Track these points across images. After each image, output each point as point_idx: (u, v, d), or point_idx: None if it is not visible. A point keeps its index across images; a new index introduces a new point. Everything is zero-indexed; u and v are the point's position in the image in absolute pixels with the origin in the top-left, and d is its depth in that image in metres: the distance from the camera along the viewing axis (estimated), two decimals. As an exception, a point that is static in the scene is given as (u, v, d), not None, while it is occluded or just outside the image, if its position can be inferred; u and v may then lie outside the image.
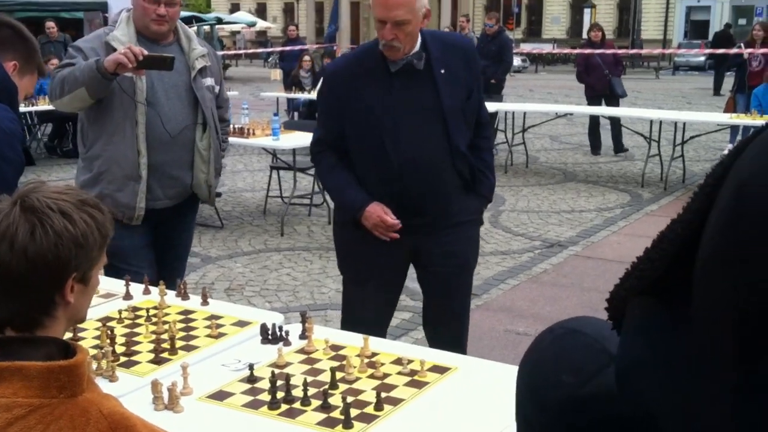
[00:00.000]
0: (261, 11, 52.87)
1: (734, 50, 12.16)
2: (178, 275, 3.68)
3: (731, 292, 0.59)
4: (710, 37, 37.59)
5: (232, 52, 30.09)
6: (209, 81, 3.55)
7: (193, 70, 3.46)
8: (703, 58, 31.04)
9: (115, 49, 3.19)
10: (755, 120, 8.85)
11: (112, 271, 2.98)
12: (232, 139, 5.98)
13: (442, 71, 2.99)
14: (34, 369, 1.31)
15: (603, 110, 10.87)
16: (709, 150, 11.89)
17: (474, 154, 3.12)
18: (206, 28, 33.01)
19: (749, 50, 11.22)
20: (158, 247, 3.66)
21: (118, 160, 3.35)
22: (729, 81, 18.70)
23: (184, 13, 31.46)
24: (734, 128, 11.25)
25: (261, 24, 38.28)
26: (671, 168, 9.54)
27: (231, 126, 3.96)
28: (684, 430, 0.65)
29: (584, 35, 38.38)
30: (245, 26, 36.68)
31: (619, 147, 11.39)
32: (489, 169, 3.22)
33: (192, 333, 2.55)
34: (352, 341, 2.46)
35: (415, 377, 2.21)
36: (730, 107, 10.90)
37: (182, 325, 2.59)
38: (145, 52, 3.11)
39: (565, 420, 1.10)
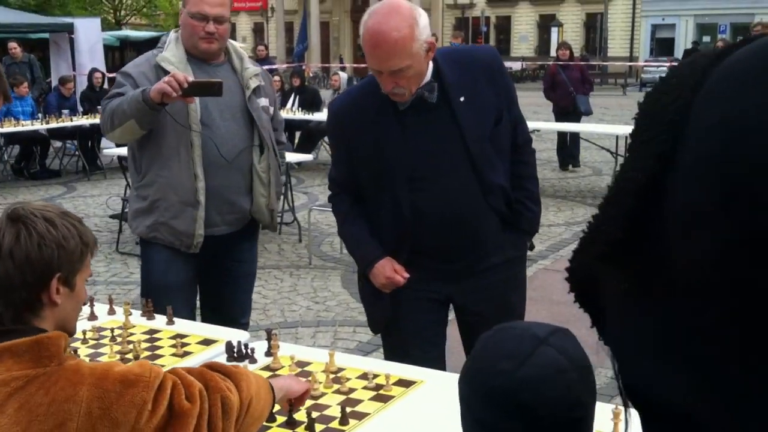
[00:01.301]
0: (231, 31, 52.86)
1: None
2: (241, 311, 3.42)
3: (736, 243, 0.52)
4: (676, 53, 38.25)
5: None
6: (264, 101, 3.35)
7: (248, 89, 3.27)
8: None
9: (165, 71, 3.06)
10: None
11: (158, 308, 2.87)
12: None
13: (462, 99, 2.55)
14: (23, 344, 1.44)
15: (570, 126, 10.99)
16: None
17: (514, 184, 2.71)
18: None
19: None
20: (216, 279, 3.41)
21: (174, 185, 3.14)
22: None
23: (151, 34, 31.47)
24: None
25: (231, 44, 38.24)
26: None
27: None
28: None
29: (552, 53, 38.82)
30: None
31: (571, 162, 11.52)
32: (531, 199, 2.76)
33: (157, 352, 2.54)
34: (318, 357, 2.46)
35: (381, 391, 2.21)
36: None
37: (147, 345, 2.58)
38: (190, 79, 2.94)
39: (511, 403, 1.15)
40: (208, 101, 3.14)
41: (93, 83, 12.38)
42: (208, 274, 3.40)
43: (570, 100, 11.22)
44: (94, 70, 12.64)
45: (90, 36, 14.05)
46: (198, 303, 3.48)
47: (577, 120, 11.43)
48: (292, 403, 1.96)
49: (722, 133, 0.53)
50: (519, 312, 2.87)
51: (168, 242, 3.20)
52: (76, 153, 11.79)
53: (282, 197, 3.59)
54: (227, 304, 3.11)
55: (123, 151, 9.12)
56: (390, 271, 2.66)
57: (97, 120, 11.42)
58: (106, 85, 12.89)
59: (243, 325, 3.29)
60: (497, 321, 2.60)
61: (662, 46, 41.55)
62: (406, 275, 2.66)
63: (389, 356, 2.80)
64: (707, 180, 0.54)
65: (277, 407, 1.88)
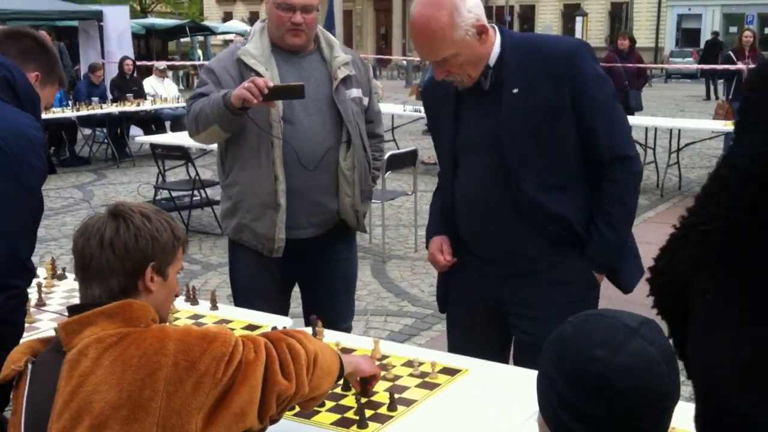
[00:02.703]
0: (254, 20, 52.83)
1: (721, 65, 12.24)
2: (341, 314, 3.21)
3: None
4: (702, 44, 37.86)
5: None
6: (355, 92, 3.12)
7: (335, 80, 3.06)
8: (695, 66, 31.25)
9: (247, 66, 2.97)
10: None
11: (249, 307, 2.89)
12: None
13: (515, 90, 2.40)
14: (114, 308, 1.63)
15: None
16: (704, 157, 11.96)
17: (595, 204, 2.46)
18: (200, 38, 33.08)
19: (739, 66, 11.32)
20: (312, 283, 3.29)
21: (254, 187, 3.02)
22: (720, 87, 19.13)
23: (176, 22, 31.55)
24: (728, 135, 11.34)
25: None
26: (667, 175, 9.60)
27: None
28: None
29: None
30: (238, 35, 36.70)
31: None
32: (608, 224, 2.44)
33: (203, 337, 2.57)
34: (362, 344, 2.49)
35: (426, 379, 2.23)
36: (722, 114, 10.94)
37: (193, 330, 2.62)
38: (271, 84, 2.79)
39: (604, 388, 1.19)
40: None
41: (124, 70, 12.48)
42: (303, 279, 3.29)
43: (623, 94, 10.70)
44: (125, 58, 12.74)
45: (118, 24, 14.17)
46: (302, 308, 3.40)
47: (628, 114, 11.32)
48: (368, 382, 2.10)
49: None
50: None
51: (252, 245, 3.10)
52: (106, 140, 11.89)
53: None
54: (326, 308, 2.86)
55: (154, 138, 9.23)
56: (435, 248, 2.66)
57: (126, 107, 11.53)
58: (136, 74, 12.99)
59: (345, 330, 3.10)
60: (540, 344, 2.48)
61: (688, 37, 41.15)
62: (449, 257, 2.64)
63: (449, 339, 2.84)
64: None
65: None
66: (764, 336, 0.48)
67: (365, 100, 3.19)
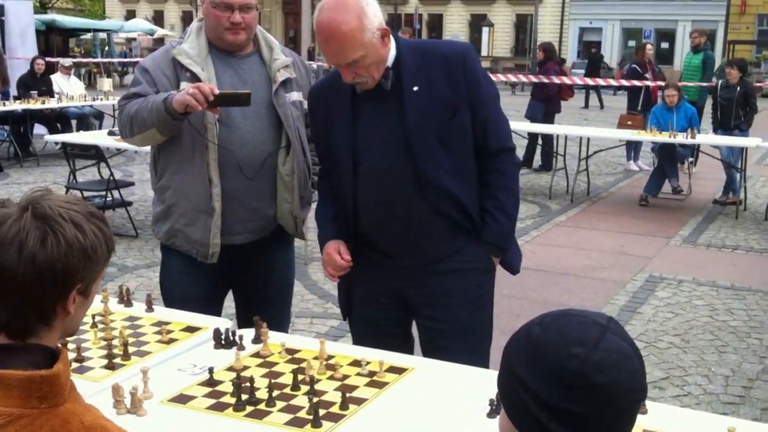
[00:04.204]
0: (158, 19, 51.80)
1: (626, 78, 12.69)
2: (276, 323, 2.87)
3: None
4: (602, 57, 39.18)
5: (128, 60, 29.38)
6: (296, 95, 3.03)
7: (275, 83, 2.97)
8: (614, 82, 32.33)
9: (182, 65, 2.87)
10: (655, 136, 9.29)
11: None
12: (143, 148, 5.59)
13: (415, 88, 2.52)
14: (15, 378, 1.27)
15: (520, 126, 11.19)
16: (609, 164, 12.40)
17: (484, 193, 2.63)
18: (102, 35, 32.19)
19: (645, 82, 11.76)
20: (246, 291, 3.20)
21: (187, 191, 2.91)
22: (611, 98, 20.03)
23: (83, 21, 30.63)
24: (629, 144, 11.79)
25: (159, 31, 37.52)
26: (576, 181, 9.90)
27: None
28: None
29: (483, 53, 39.16)
30: (142, 34, 35.89)
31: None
32: (501, 210, 2.62)
33: (141, 339, 2.51)
34: (307, 345, 2.48)
35: (375, 378, 2.24)
36: (627, 124, 11.34)
37: (131, 331, 2.55)
38: (216, 91, 2.71)
39: (583, 384, 1.22)
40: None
41: (35, 70, 12.04)
42: (238, 286, 3.20)
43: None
44: (36, 58, 12.33)
45: (21, 19, 13.66)
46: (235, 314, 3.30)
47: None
48: None
49: None
50: (479, 331, 2.73)
51: (185, 250, 3.00)
52: (8, 139, 11.43)
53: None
54: (261, 317, 2.68)
55: (66, 137, 8.92)
56: (332, 249, 2.69)
57: (30, 105, 11.11)
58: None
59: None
60: (451, 332, 2.67)
61: (589, 49, 42.51)
62: (348, 257, 2.67)
63: (355, 343, 2.80)
64: None
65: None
66: None
67: (306, 103, 3.03)
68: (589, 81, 17.59)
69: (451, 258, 2.64)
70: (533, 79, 12.40)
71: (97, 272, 1.41)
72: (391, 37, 2.56)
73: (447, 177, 2.56)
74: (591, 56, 28.60)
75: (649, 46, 12.76)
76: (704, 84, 11.59)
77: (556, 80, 11.67)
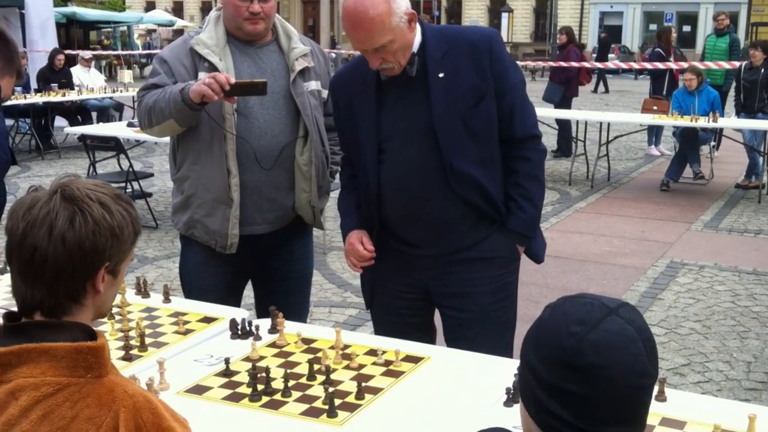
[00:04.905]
0: (178, 10, 51.99)
1: (650, 61, 12.55)
2: (294, 313, 2.91)
3: None
4: (623, 41, 38.92)
5: (147, 52, 29.47)
6: (314, 84, 3.02)
7: (293, 72, 2.95)
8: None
9: (201, 56, 2.87)
10: (676, 120, 9.20)
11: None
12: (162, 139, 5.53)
13: (441, 75, 2.49)
14: (62, 349, 1.35)
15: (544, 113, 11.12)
16: (630, 150, 12.30)
17: (510, 181, 2.60)
18: (122, 28, 32.34)
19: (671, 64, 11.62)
20: (265, 281, 3.20)
21: (206, 182, 2.91)
22: (629, 83, 19.85)
23: (102, 13, 30.73)
24: (650, 129, 11.68)
25: (179, 23, 37.65)
26: (597, 167, 9.83)
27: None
28: None
29: (504, 39, 39.02)
30: (162, 25, 36.04)
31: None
32: (527, 198, 2.58)
33: (159, 330, 2.52)
34: (323, 335, 2.48)
35: (391, 367, 2.24)
36: (653, 108, 11.22)
37: (147, 322, 2.56)
38: (232, 80, 2.70)
39: (579, 364, 1.20)
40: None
41: (54, 63, 12.09)
42: (257, 276, 3.20)
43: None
44: (56, 51, 12.36)
45: (41, 12, 13.73)
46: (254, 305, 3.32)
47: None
48: None
49: None
50: (503, 320, 2.69)
51: (204, 241, 3.00)
52: (29, 132, 11.53)
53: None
54: (280, 307, 2.65)
55: (86, 129, 8.99)
56: (355, 239, 2.66)
57: (51, 98, 11.19)
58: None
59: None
60: (475, 321, 2.65)
61: (610, 34, 42.14)
62: (371, 248, 2.65)
63: (376, 333, 2.80)
64: None
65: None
66: None
67: (324, 92, 3.06)
68: (611, 65, 17.37)
69: (476, 247, 2.61)
70: (552, 64, 12.27)
71: (124, 252, 1.47)
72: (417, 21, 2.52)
73: (472, 165, 2.52)
74: (600, 40, 29.06)
75: (673, 32, 12.54)
76: (729, 67, 11.40)
77: (575, 65, 11.56)
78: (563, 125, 11.34)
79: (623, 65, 17.29)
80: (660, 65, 11.47)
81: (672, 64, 11.41)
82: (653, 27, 40.26)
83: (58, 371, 1.34)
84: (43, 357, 1.35)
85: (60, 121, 11.92)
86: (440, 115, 2.48)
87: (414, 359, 2.29)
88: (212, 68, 2.86)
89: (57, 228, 1.36)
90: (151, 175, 8.84)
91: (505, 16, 41.22)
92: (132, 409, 1.35)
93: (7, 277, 3.02)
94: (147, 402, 1.38)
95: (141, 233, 1.53)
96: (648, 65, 12.00)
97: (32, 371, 1.34)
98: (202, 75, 2.83)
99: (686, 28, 40.00)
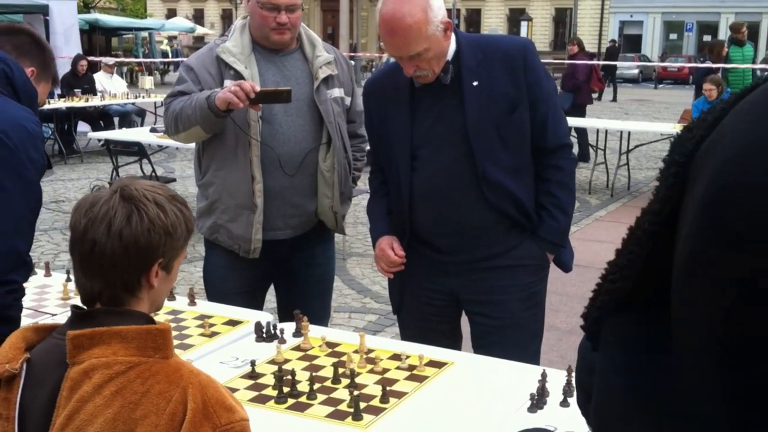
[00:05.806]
0: (198, 17, 52.38)
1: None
2: (315, 318, 2.80)
3: (719, 299, 0.46)
4: (643, 50, 38.80)
5: (168, 60, 29.71)
6: (337, 92, 3.07)
7: (317, 80, 3.00)
8: (636, 71, 32.09)
9: (226, 63, 2.92)
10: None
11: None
12: (181, 144, 5.55)
13: (475, 83, 2.51)
14: (132, 331, 1.46)
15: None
16: (651, 159, 12.25)
17: (541, 189, 2.61)
18: (144, 34, 32.59)
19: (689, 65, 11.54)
20: (287, 285, 3.24)
21: (230, 188, 2.96)
22: (648, 91, 19.80)
23: (125, 20, 31.01)
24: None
25: (199, 30, 37.94)
26: (617, 176, 9.80)
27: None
28: None
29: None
30: (183, 32, 36.30)
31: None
32: (558, 206, 2.60)
33: (184, 332, 2.55)
34: (347, 339, 2.50)
35: (414, 371, 2.25)
36: (688, 119, 11.15)
37: (173, 325, 2.59)
38: (257, 88, 2.76)
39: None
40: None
41: (77, 69, 12.22)
42: (279, 280, 3.24)
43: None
44: (79, 57, 12.49)
45: (65, 19, 13.88)
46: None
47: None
48: None
49: (713, 174, 0.47)
50: (532, 328, 2.71)
51: (227, 245, 3.05)
52: (52, 136, 11.65)
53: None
54: (302, 311, 2.64)
55: (109, 134, 9.08)
56: (386, 244, 2.69)
57: (74, 103, 11.30)
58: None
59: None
60: (504, 328, 2.65)
61: (630, 43, 42.03)
62: (402, 253, 2.67)
63: (403, 338, 2.80)
64: (696, 230, 0.48)
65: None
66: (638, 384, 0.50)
67: (347, 100, 3.13)
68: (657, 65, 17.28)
69: (506, 254, 2.62)
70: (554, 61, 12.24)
71: (177, 249, 1.57)
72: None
73: (504, 173, 2.54)
74: (609, 49, 29.19)
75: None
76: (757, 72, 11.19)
77: (587, 62, 11.57)
78: (578, 132, 11.35)
79: (674, 66, 17.07)
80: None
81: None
82: (673, 36, 40.14)
83: (129, 351, 1.45)
84: (114, 339, 1.45)
85: (83, 126, 12.02)
86: (474, 122, 2.50)
87: (438, 364, 2.30)
88: (238, 76, 2.90)
89: (115, 225, 1.47)
90: (173, 180, 8.89)
91: (524, 24, 41.17)
92: (198, 385, 1.45)
93: (32, 279, 3.06)
94: (211, 381, 1.50)
95: (194, 231, 1.63)
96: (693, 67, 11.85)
97: (104, 352, 1.44)
98: (227, 83, 2.87)
99: (707, 38, 39.81)
